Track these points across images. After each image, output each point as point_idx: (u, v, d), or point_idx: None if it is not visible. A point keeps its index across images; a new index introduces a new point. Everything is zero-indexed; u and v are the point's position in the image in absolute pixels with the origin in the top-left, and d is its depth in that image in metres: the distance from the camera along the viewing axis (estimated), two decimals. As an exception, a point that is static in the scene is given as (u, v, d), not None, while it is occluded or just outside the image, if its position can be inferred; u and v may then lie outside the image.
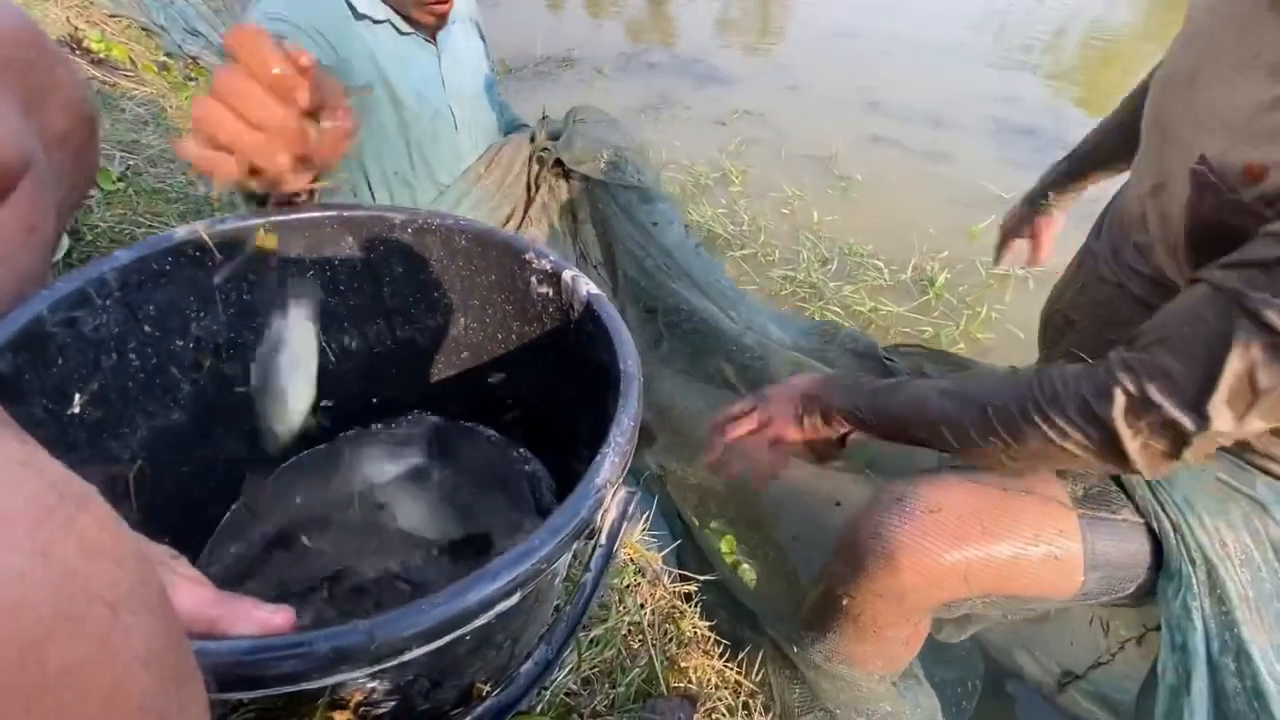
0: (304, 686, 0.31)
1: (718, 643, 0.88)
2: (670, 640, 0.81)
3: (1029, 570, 0.66)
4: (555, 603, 0.53)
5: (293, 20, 0.99)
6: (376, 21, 1.08)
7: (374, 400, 0.71)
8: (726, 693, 0.77)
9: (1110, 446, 0.54)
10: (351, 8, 1.05)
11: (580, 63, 3.43)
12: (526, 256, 0.59)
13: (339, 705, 0.38)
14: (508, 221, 1.29)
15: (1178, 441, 0.51)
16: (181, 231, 0.53)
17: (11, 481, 0.15)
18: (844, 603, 0.74)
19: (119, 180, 1.22)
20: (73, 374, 0.47)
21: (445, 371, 0.70)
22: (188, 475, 0.58)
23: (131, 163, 1.32)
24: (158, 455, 0.54)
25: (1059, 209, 1.03)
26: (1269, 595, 0.62)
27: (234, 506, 0.63)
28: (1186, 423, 0.50)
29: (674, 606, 0.87)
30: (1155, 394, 0.51)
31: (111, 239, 1.06)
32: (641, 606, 0.81)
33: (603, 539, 0.43)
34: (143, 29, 2.68)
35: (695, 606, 0.92)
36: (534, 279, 0.60)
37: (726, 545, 1.23)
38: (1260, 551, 0.64)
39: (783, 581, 1.06)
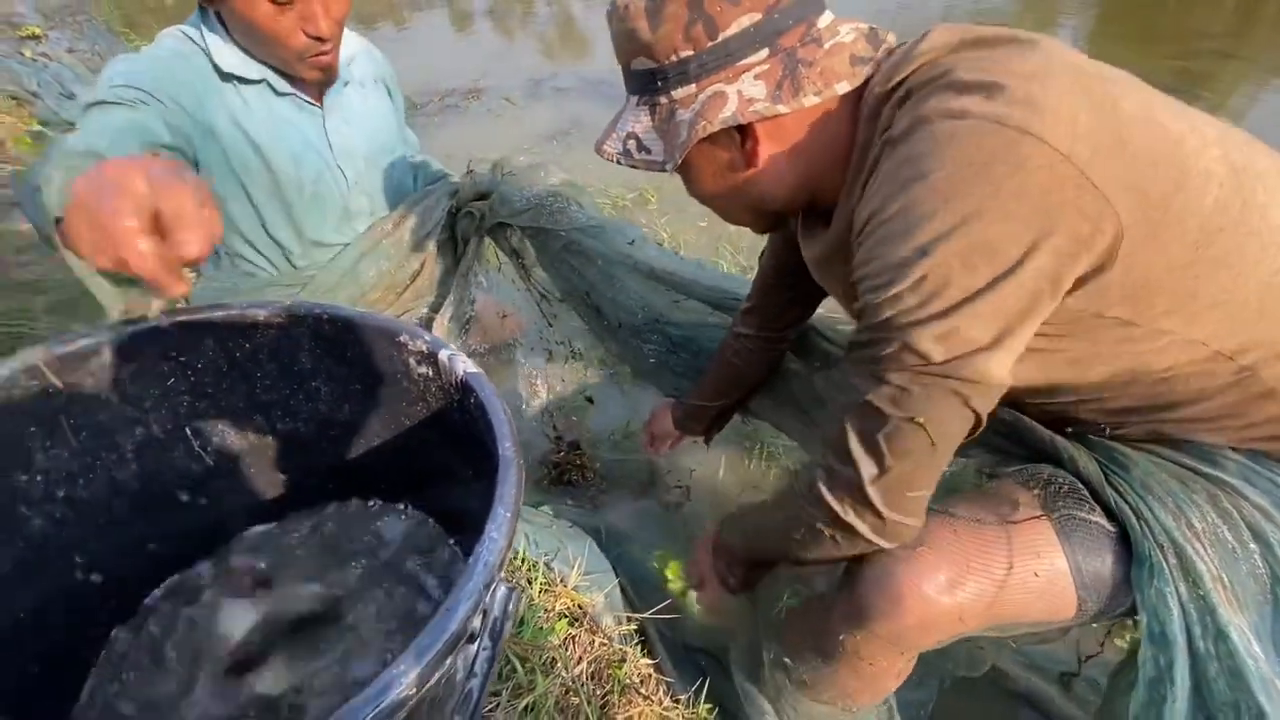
0: None
1: (660, 682, 0.87)
2: (610, 690, 0.80)
3: (1022, 601, 0.66)
4: (456, 701, 0.51)
5: (146, 88, 0.94)
6: (248, 81, 1.04)
7: (263, 493, 0.68)
8: None
9: (836, 520, 0.66)
10: (217, 69, 1.01)
11: (488, 92, 3.41)
12: (401, 339, 0.58)
13: None
14: (415, 278, 1.27)
15: (862, 498, 0.63)
16: (12, 363, 0.49)
17: None
18: (839, 640, 0.73)
19: (-19, 274, 1.14)
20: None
21: (336, 457, 0.67)
22: (49, 620, 0.54)
23: (-4, 255, 1.23)
24: (9, 604, 0.50)
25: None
26: (1244, 576, 0.62)
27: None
28: (850, 475, 0.63)
29: (614, 651, 0.86)
30: (831, 465, 0.65)
31: None
32: (578, 661, 0.80)
33: (485, 640, 0.42)
34: (12, 98, 2.53)
35: (637, 646, 0.91)
36: (412, 360, 0.59)
37: (671, 572, 1.22)
38: (1233, 531, 0.64)
39: (741, 605, 1.06)
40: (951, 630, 0.68)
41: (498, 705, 0.70)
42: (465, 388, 0.55)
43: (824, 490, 0.65)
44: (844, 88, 0.65)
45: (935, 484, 0.65)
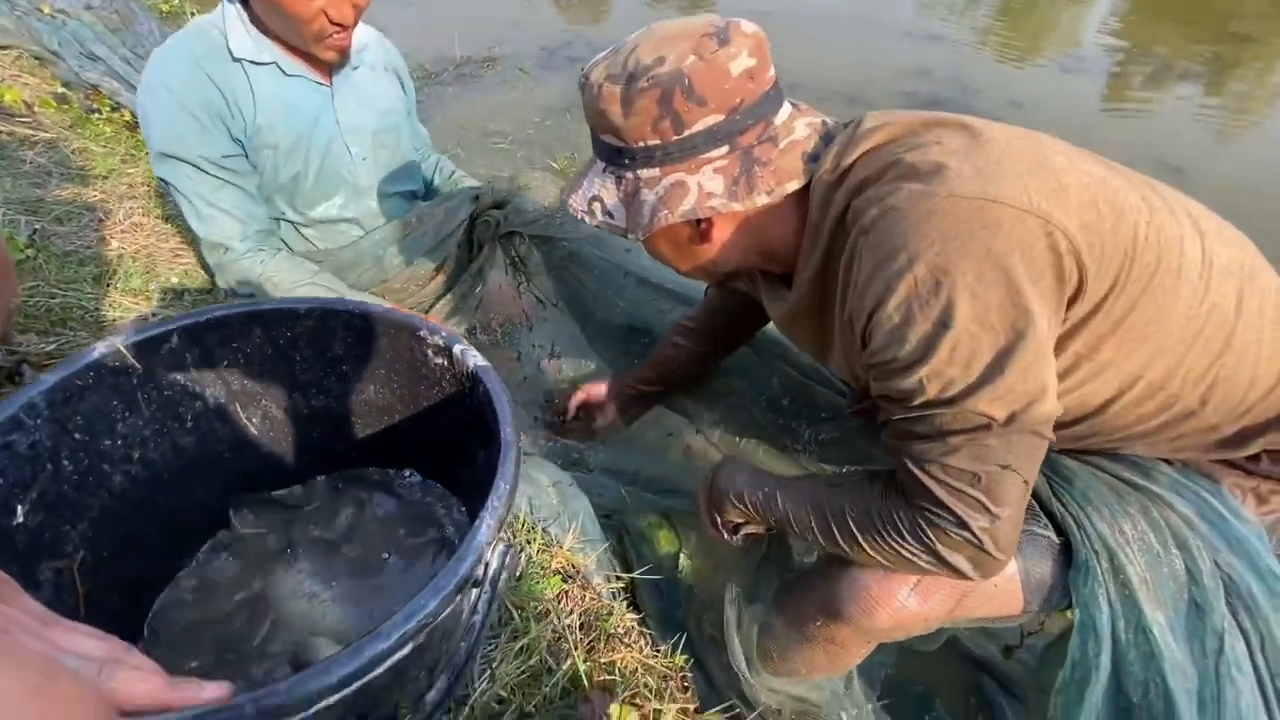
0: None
1: (643, 634, 0.99)
2: (597, 638, 0.92)
3: (978, 605, 0.75)
4: (461, 632, 0.62)
5: (199, 117, 1.07)
6: (257, 64, 1.11)
7: (302, 459, 0.79)
8: (651, 678, 0.88)
9: (944, 564, 0.68)
10: (229, 51, 1.09)
11: (502, 61, 3.43)
12: (420, 334, 0.68)
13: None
14: (437, 273, 1.36)
15: (979, 548, 0.65)
16: (100, 347, 0.59)
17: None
18: (814, 625, 0.81)
19: (27, 247, 1.23)
20: (13, 489, 0.54)
21: (362, 431, 0.78)
22: (126, 556, 0.65)
23: (38, 225, 1.32)
24: (97, 544, 0.62)
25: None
26: (1165, 578, 0.70)
27: (169, 587, 0.70)
28: (967, 535, 0.64)
29: (603, 605, 0.98)
30: (937, 523, 0.66)
31: (26, 313, 1.08)
32: (570, 613, 0.92)
33: (486, 587, 0.52)
34: (35, 58, 2.57)
35: (623, 603, 1.02)
36: (429, 351, 0.69)
37: (663, 539, 1.34)
38: (1159, 538, 0.70)
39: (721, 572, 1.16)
40: (917, 629, 0.77)
41: (496, 646, 0.82)
42: (475, 378, 0.65)
43: (935, 540, 0.66)
44: (794, 185, 0.70)
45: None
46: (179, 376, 0.65)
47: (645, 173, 0.71)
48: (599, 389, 1.28)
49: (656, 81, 0.66)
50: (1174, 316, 0.65)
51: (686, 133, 0.68)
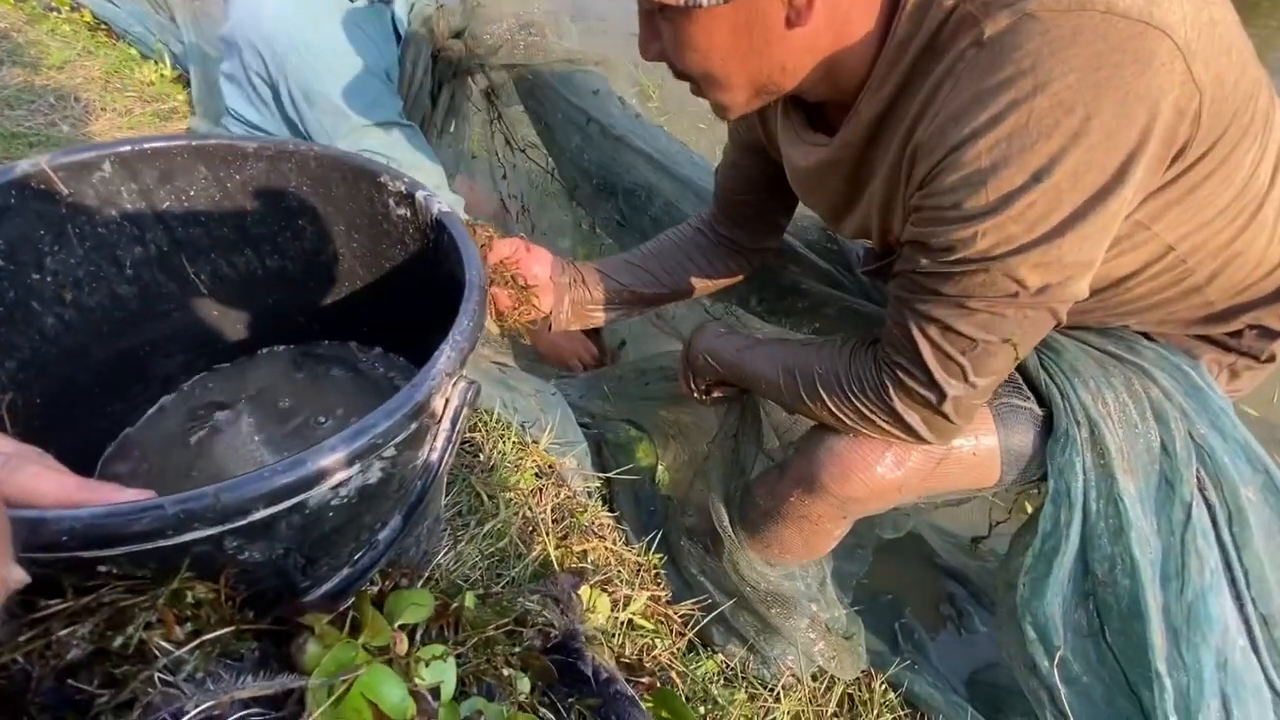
0: (161, 544, 0.37)
1: (617, 529, 0.97)
2: (570, 529, 0.90)
3: (954, 474, 0.73)
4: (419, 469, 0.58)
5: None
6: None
7: (257, 327, 0.74)
8: (624, 569, 0.87)
9: (900, 422, 0.67)
10: None
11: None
12: (381, 179, 0.63)
13: (211, 575, 0.44)
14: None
15: (936, 410, 0.64)
16: (24, 164, 0.54)
17: None
18: (790, 500, 0.79)
19: (-28, 125, 1.15)
20: (-78, 306, 0.49)
21: (319, 296, 0.73)
22: (61, 406, 0.60)
23: (-15, 106, 1.23)
24: (28, 387, 0.57)
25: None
26: (1140, 449, 0.70)
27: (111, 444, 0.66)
28: (930, 395, 0.63)
29: (578, 502, 0.96)
30: (904, 380, 0.64)
31: None
32: (543, 508, 0.89)
33: (445, 423, 0.49)
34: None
35: (598, 502, 1.00)
36: (391, 201, 0.64)
37: (641, 450, 1.32)
38: (1138, 408, 0.70)
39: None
40: (892, 500, 0.76)
41: (465, 535, 0.79)
42: (439, 225, 0.60)
43: (894, 397, 0.65)
44: None
45: None
46: (113, 213, 0.60)
47: None
48: (537, 260, 0.86)
49: None
50: (1233, 187, 0.58)
51: None
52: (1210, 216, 0.60)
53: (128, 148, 0.58)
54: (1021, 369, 0.75)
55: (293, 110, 1.06)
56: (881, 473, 0.72)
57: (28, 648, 0.38)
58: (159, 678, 0.38)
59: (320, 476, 0.40)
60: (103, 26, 2.10)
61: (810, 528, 0.82)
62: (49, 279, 0.58)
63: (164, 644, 0.40)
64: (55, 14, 2.09)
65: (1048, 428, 0.73)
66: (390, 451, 0.45)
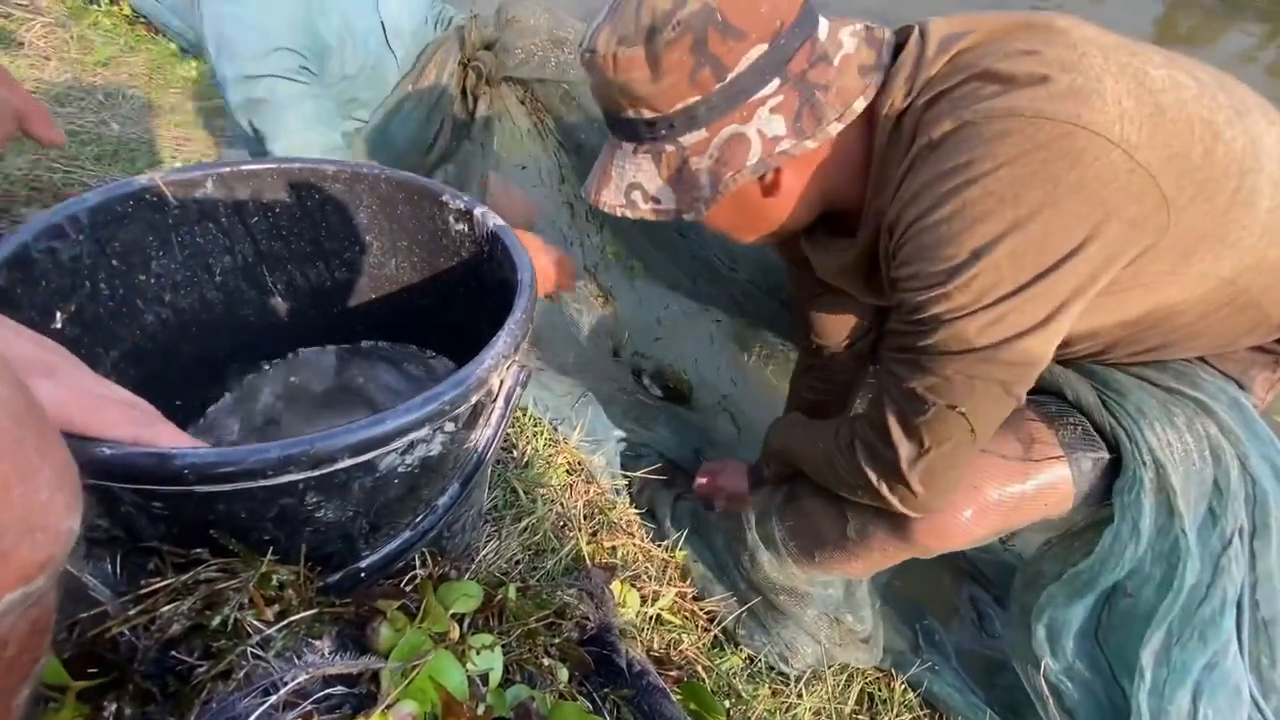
0: (262, 483, 0.42)
1: (644, 527, 1.00)
2: (600, 525, 0.93)
3: (1023, 519, 0.76)
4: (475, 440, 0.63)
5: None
6: None
7: (321, 333, 0.81)
8: (651, 565, 0.89)
9: (869, 486, 0.71)
10: None
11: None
12: (443, 198, 0.70)
13: (289, 537, 0.49)
14: (437, 137, 1.29)
15: (896, 474, 0.68)
16: (141, 180, 0.62)
17: None
18: (870, 545, 0.81)
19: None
20: (54, 295, 0.56)
21: (379, 303, 0.80)
22: (145, 398, 0.67)
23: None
24: (124, 377, 0.64)
25: None
26: (1195, 482, 0.72)
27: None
28: (886, 453, 0.67)
29: (607, 499, 0.99)
30: (866, 433, 0.70)
31: (29, 186, 1.10)
32: (575, 502, 0.94)
33: (500, 401, 0.55)
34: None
35: (625, 499, 1.04)
36: (451, 217, 0.71)
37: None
38: (1199, 448, 0.72)
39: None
40: (977, 540, 0.78)
41: (501, 528, 0.84)
42: (494, 238, 0.67)
43: (863, 463, 0.69)
44: (861, 104, 0.63)
45: (972, 462, 0.68)
46: (210, 225, 0.68)
47: (689, 138, 0.63)
48: (735, 481, 1.04)
49: (685, 27, 0.58)
50: (1261, 215, 0.61)
51: (731, 75, 0.60)
52: (1248, 244, 0.62)
53: (227, 169, 0.67)
54: (1087, 414, 0.76)
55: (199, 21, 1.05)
56: (965, 525, 0.74)
57: (135, 621, 0.43)
58: (251, 653, 0.42)
59: (397, 433, 0.46)
60: (141, 20, 2.14)
61: (881, 560, 0.84)
62: (153, 281, 0.66)
63: (255, 623, 0.44)
64: (95, 7, 2.15)
65: (1115, 470, 0.74)
66: (449, 426, 0.51)
